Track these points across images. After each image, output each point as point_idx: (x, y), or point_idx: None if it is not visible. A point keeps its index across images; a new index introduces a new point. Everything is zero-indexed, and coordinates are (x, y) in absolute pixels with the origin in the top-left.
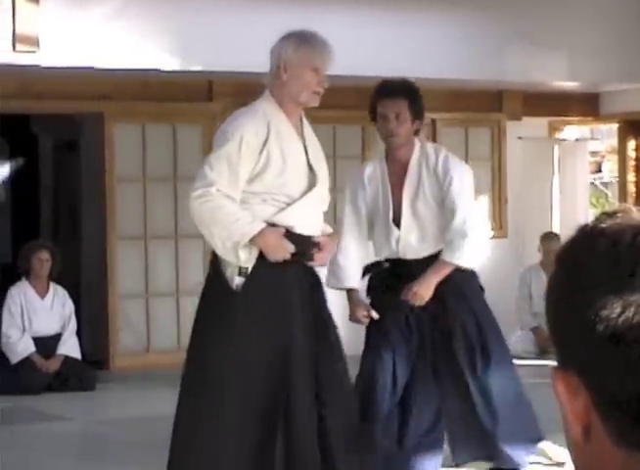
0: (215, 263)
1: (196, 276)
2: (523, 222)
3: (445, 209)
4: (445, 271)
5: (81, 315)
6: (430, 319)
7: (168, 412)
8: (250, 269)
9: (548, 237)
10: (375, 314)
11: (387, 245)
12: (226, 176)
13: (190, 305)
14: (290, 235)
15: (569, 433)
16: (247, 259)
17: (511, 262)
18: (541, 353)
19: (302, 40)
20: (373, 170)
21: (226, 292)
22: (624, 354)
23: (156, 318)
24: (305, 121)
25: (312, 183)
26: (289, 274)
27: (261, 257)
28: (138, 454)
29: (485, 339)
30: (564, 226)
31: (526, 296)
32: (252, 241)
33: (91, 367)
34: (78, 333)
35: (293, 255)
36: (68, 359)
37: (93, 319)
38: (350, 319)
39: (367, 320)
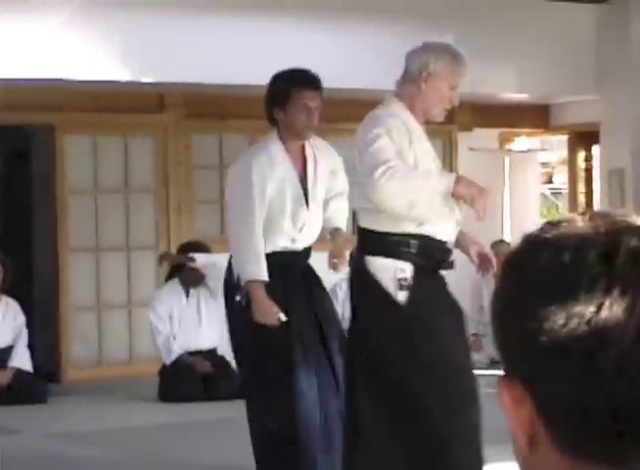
0: (370, 280)
1: (148, 288)
2: (474, 232)
3: (329, 191)
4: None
5: (33, 327)
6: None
7: (120, 425)
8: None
9: (499, 244)
10: (283, 317)
11: (287, 233)
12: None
13: (142, 317)
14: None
15: (515, 442)
16: (459, 212)
17: (461, 272)
18: (491, 364)
19: (453, 57)
20: (271, 157)
21: (392, 305)
22: (567, 366)
23: (108, 330)
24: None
25: None
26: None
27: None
28: (89, 467)
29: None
30: (514, 236)
31: (476, 303)
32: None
33: (43, 380)
34: (30, 345)
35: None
36: (19, 372)
37: (45, 331)
38: (265, 318)
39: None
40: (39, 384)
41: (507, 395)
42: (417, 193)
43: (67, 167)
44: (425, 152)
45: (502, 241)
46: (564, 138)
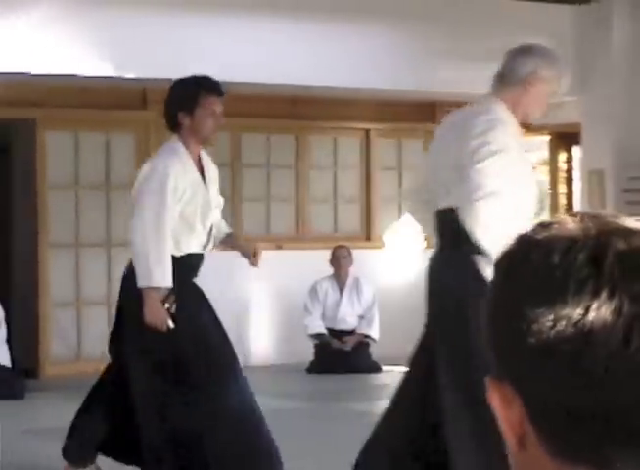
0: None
1: None
2: None
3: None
4: None
5: (11, 323)
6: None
7: None
8: None
9: None
10: (172, 324)
11: (199, 237)
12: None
13: None
14: None
15: (506, 442)
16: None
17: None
18: None
19: (556, 63)
20: (183, 162)
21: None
22: (555, 368)
23: (87, 326)
24: None
25: None
26: None
27: None
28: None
29: None
30: None
31: None
32: None
33: (21, 376)
34: (8, 341)
35: None
36: None
37: (23, 327)
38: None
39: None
40: (17, 379)
41: (496, 395)
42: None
43: (48, 163)
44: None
45: None
46: (545, 139)
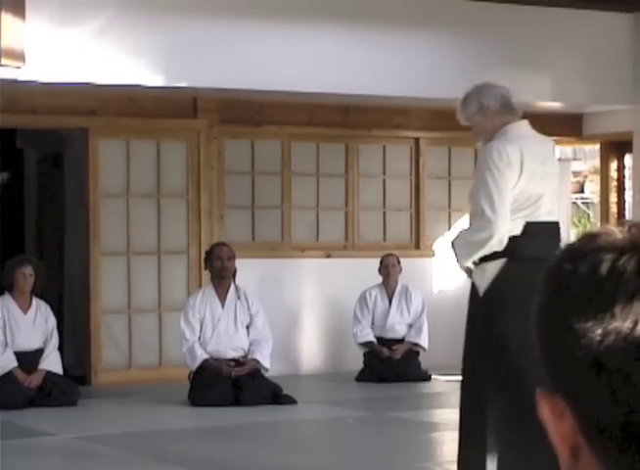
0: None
1: (178, 292)
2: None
3: None
4: None
5: (64, 330)
6: None
7: (150, 428)
8: None
9: None
10: None
11: None
12: None
13: (173, 321)
14: None
15: (558, 454)
16: None
17: None
18: None
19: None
20: None
21: None
22: (605, 382)
23: (138, 334)
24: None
25: None
26: None
27: None
28: None
29: None
30: None
31: None
32: None
33: (73, 382)
34: (60, 348)
35: None
36: (49, 374)
37: (75, 334)
38: None
39: None
40: (70, 386)
41: (548, 408)
42: None
43: (100, 171)
44: None
45: None
46: (596, 147)
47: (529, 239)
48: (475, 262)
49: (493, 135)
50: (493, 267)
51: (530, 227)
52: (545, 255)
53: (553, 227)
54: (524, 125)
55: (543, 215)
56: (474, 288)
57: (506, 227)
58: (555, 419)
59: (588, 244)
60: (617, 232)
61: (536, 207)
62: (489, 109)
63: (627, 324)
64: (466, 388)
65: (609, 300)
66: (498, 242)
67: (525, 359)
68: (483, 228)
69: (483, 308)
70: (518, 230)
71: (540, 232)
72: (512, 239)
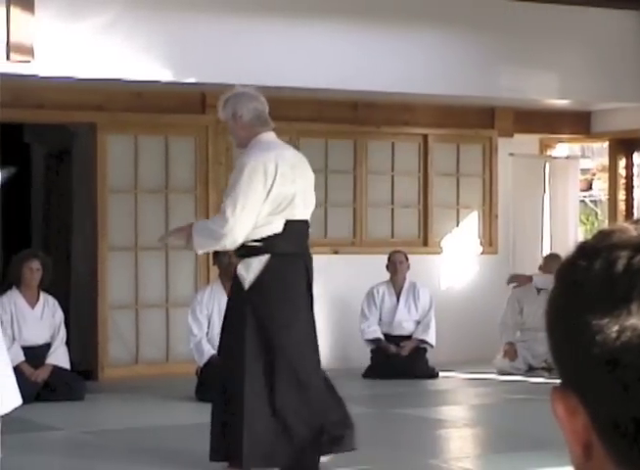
0: None
1: (185, 288)
2: (513, 239)
3: None
4: None
5: (71, 325)
6: None
7: (156, 423)
8: None
9: (551, 258)
10: None
11: None
12: None
13: (180, 317)
14: None
15: (570, 452)
16: None
17: (501, 279)
18: (529, 370)
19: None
20: None
21: None
22: (621, 379)
23: (145, 329)
24: None
25: None
26: None
27: None
28: (126, 465)
29: None
30: (554, 243)
31: (517, 311)
32: None
33: (80, 377)
34: (68, 343)
35: None
36: (56, 369)
37: (83, 329)
38: None
39: None
40: (76, 381)
41: (561, 405)
42: None
43: (107, 166)
44: None
45: (555, 255)
46: (604, 145)
47: (287, 237)
48: (240, 256)
49: (247, 143)
50: (257, 262)
51: (288, 226)
52: (298, 250)
53: (303, 226)
54: (272, 135)
55: (298, 215)
56: (237, 280)
57: (242, 232)
58: (568, 416)
59: (603, 241)
60: (631, 229)
61: (292, 206)
62: (241, 119)
63: None
64: (227, 364)
65: (625, 296)
66: (231, 243)
67: (282, 337)
68: (222, 226)
69: (248, 298)
70: (279, 229)
71: (294, 230)
72: (273, 237)
